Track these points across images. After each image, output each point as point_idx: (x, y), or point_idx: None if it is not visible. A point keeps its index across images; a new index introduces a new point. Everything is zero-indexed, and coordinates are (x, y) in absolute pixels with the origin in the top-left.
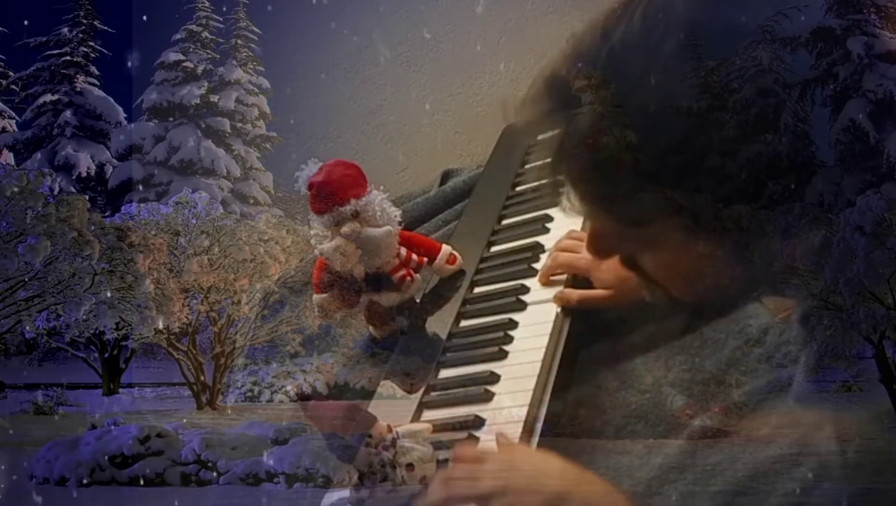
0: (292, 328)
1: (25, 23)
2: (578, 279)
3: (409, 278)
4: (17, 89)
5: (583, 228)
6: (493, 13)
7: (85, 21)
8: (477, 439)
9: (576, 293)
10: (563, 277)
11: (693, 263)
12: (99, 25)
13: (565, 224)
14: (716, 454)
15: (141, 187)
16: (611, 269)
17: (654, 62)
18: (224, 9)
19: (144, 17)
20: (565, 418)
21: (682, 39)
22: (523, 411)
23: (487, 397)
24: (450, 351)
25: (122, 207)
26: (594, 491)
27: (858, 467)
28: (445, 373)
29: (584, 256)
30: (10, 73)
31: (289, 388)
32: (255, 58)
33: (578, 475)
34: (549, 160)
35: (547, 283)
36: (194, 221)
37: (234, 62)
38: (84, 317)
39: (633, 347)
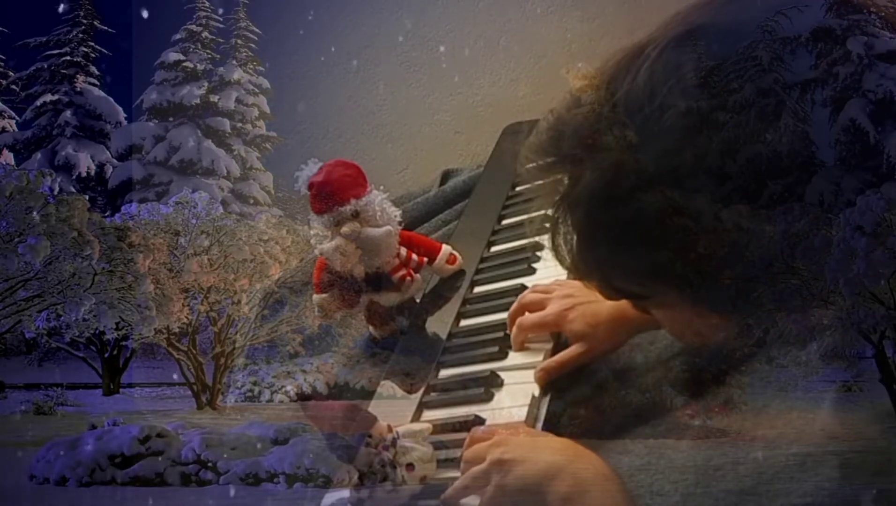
0: (292, 328)
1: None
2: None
3: (409, 278)
4: (17, 89)
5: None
6: (493, 13)
7: (85, 21)
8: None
9: (553, 363)
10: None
11: (687, 324)
12: (99, 25)
13: None
14: (718, 456)
15: (140, 187)
16: (578, 317)
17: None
18: (223, 9)
19: (145, 16)
20: (565, 418)
21: (686, 108)
22: (523, 411)
23: (487, 397)
24: (450, 351)
25: (122, 207)
26: (589, 468)
27: (858, 467)
28: (445, 373)
29: (550, 311)
30: (11, 73)
31: (289, 388)
32: (255, 58)
33: (576, 452)
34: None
35: (521, 350)
36: (194, 221)
37: (234, 62)
38: (84, 317)
39: (633, 346)
